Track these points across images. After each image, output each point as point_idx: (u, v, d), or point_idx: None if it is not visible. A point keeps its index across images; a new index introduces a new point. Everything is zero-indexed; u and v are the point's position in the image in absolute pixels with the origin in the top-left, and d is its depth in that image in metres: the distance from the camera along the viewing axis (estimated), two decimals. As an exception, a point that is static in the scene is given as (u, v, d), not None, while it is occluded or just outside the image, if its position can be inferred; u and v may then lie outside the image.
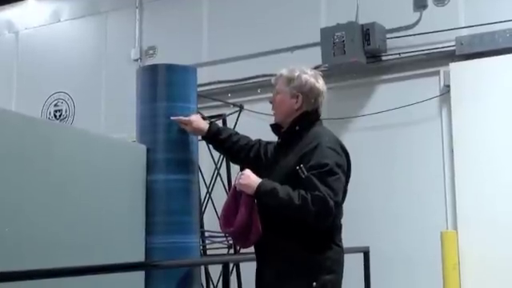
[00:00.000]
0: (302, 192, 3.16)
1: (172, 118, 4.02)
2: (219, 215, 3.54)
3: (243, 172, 3.39)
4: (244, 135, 3.92)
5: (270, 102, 3.59)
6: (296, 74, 3.50)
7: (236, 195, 3.40)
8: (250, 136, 3.93)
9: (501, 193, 6.28)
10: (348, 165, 3.40)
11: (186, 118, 4.00)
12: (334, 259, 3.33)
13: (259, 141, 3.79)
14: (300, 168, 3.22)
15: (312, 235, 3.26)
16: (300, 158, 3.28)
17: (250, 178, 3.33)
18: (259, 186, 3.28)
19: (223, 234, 6.19)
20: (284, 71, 3.54)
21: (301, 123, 3.45)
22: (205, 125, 3.97)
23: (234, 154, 3.89)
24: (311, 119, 3.48)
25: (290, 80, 3.49)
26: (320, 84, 3.51)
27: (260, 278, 3.46)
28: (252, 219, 3.33)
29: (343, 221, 3.45)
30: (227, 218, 3.42)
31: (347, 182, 3.39)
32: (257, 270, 3.48)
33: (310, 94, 3.47)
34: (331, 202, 3.14)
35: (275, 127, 3.58)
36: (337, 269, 3.35)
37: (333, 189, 3.17)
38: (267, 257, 3.41)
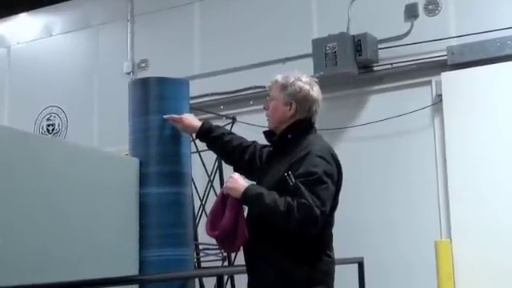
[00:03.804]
0: (289, 199, 3.11)
1: (164, 116, 4.00)
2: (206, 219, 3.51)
3: (231, 175, 3.36)
4: (238, 135, 3.86)
5: (264, 108, 3.54)
6: (290, 80, 3.43)
7: (224, 199, 3.37)
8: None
9: (494, 201, 6.30)
10: (339, 174, 3.34)
11: (178, 116, 3.98)
12: (324, 270, 3.28)
13: (255, 143, 3.73)
14: (288, 175, 3.18)
15: (301, 245, 3.22)
16: (290, 166, 3.24)
17: (238, 182, 3.30)
18: (246, 190, 3.25)
19: (217, 247, 6.18)
20: (279, 77, 3.48)
21: (293, 131, 3.40)
22: (197, 122, 3.92)
23: (227, 154, 3.82)
24: (304, 127, 3.42)
25: (284, 87, 3.43)
26: (315, 92, 3.45)
27: None
28: (238, 223, 3.28)
29: (337, 231, 3.43)
30: (213, 221, 3.38)
31: (338, 191, 3.34)
32: (248, 280, 3.45)
33: (303, 102, 3.41)
34: (317, 211, 3.09)
35: (268, 134, 3.54)
36: (327, 280, 3.30)
37: (320, 197, 3.12)
38: (254, 266, 3.37)
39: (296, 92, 3.42)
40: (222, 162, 5.97)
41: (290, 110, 3.42)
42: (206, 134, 3.86)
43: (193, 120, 3.96)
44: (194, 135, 4.05)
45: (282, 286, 3.23)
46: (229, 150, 3.78)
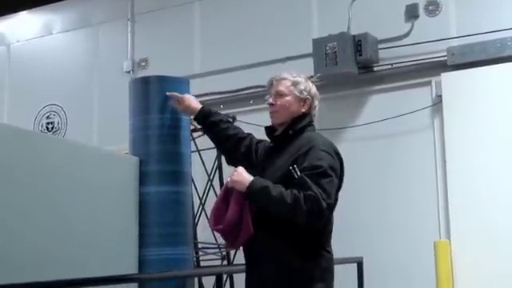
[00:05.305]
0: (295, 191, 3.12)
1: (167, 93, 4.03)
2: (209, 214, 3.50)
3: (236, 169, 3.35)
4: (235, 125, 3.89)
5: (270, 104, 3.52)
6: (301, 78, 3.51)
7: (227, 194, 3.36)
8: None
9: (493, 202, 6.29)
10: (341, 170, 3.37)
11: (180, 95, 4.00)
12: (325, 267, 3.30)
13: (250, 136, 3.75)
14: (293, 168, 3.19)
15: (303, 240, 3.22)
16: (294, 160, 3.25)
17: (243, 175, 3.29)
18: (251, 183, 3.24)
19: (217, 246, 6.19)
20: (286, 74, 3.53)
21: (295, 127, 3.43)
22: (197, 104, 3.95)
23: (222, 141, 3.82)
24: (307, 122, 3.48)
25: (296, 83, 3.49)
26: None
27: (249, 284, 3.41)
28: (242, 217, 3.27)
29: (336, 231, 3.43)
30: (217, 216, 3.37)
31: (339, 188, 3.36)
32: (246, 275, 3.44)
33: (314, 99, 3.52)
34: (324, 203, 3.10)
35: (269, 130, 3.56)
36: (327, 277, 3.31)
37: (326, 190, 3.13)
38: (255, 260, 3.36)
39: (309, 89, 3.50)
40: (222, 161, 5.98)
41: (303, 105, 3.48)
42: (205, 117, 3.88)
43: (193, 102, 3.98)
44: (193, 121, 4.07)
45: (282, 281, 3.23)
46: (223, 137, 3.79)
